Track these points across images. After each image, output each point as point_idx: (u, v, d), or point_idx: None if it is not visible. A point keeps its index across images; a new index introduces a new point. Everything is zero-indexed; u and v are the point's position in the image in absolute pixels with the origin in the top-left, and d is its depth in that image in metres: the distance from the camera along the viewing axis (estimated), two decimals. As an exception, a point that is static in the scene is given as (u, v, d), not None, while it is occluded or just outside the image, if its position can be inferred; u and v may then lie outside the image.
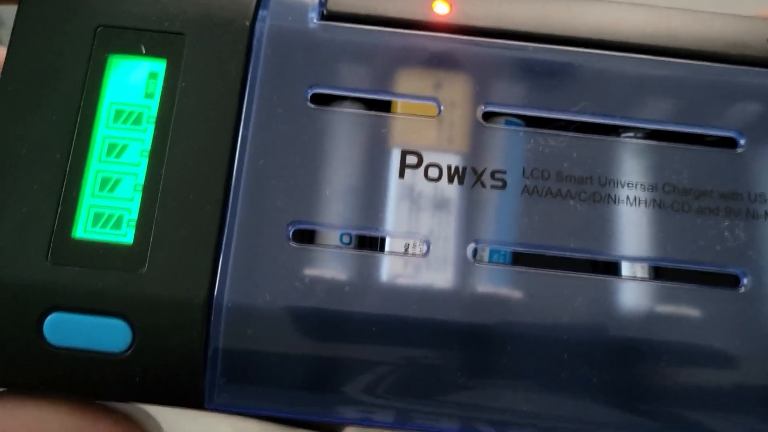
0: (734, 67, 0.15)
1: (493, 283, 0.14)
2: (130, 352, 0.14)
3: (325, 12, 0.15)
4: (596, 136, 0.15)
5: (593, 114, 0.15)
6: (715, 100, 0.15)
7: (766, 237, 0.14)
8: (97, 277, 0.14)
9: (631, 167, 0.14)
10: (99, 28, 0.15)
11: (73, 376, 0.14)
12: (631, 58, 0.15)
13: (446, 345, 0.14)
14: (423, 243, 0.14)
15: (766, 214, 0.14)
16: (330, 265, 0.14)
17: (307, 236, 0.14)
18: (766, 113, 0.15)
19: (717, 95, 0.15)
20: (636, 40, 0.15)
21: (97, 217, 0.14)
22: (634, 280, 0.14)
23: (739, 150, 0.15)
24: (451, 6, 0.15)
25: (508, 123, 0.15)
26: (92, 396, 0.14)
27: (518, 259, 0.14)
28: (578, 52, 0.15)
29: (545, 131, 0.15)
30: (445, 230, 0.14)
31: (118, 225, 0.14)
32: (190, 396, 0.14)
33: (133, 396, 0.14)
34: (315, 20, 0.15)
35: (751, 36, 0.15)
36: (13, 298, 0.14)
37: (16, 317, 0.14)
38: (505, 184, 0.14)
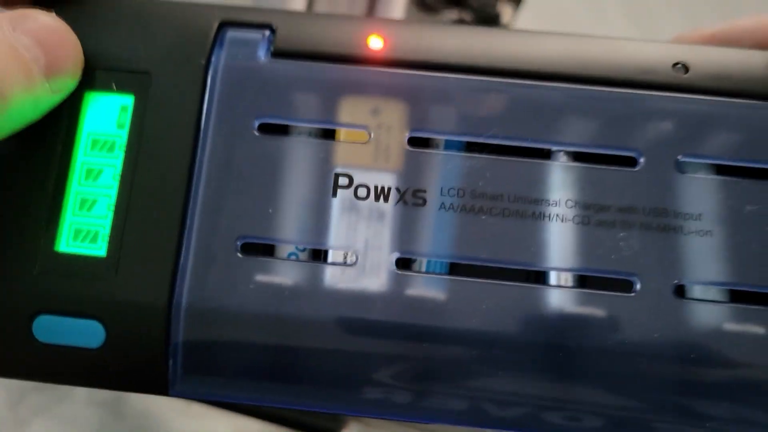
0: (640, 92, 0.17)
1: (415, 289, 0.16)
2: (103, 347, 0.16)
3: (272, 49, 0.17)
4: (506, 158, 0.16)
5: (505, 138, 0.16)
6: (619, 123, 0.16)
7: (658, 247, 0.16)
8: (76, 286, 0.16)
9: (538, 185, 0.16)
10: None
11: (57, 367, 0.16)
12: (543, 85, 0.17)
13: (375, 341, 0.16)
14: (353, 254, 0.16)
15: (658, 226, 0.16)
16: (272, 274, 0.16)
17: (258, 249, 0.16)
18: (664, 134, 0.16)
19: (620, 119, 0.16)
20: (549, 69, 0.17)
21: (77, 232, 0.16)
22: (540, 286, 0.16)
23: (637, 168, 0.16)
24: (384, 41, 0.17)
25: (436, 146, 0.17)
26: (72, 384, 0.17)
27: (452, 268, 0.16)
28: (494, 81, 0.17)
29: (461, 154, 0.16)
30: (372, 242, 0.16)
31: (94, 239, 0.16)
32: (156, 384, 0.16)
33: (107, 384, 0.16)
34: (263, 57, 0.17)
35: (658, 62, 0.17)
36: (6, 303, 0.16)
37: (9, 319, 0.16)
38: (425, 202, 0.16)
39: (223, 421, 0.31)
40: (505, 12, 0.60)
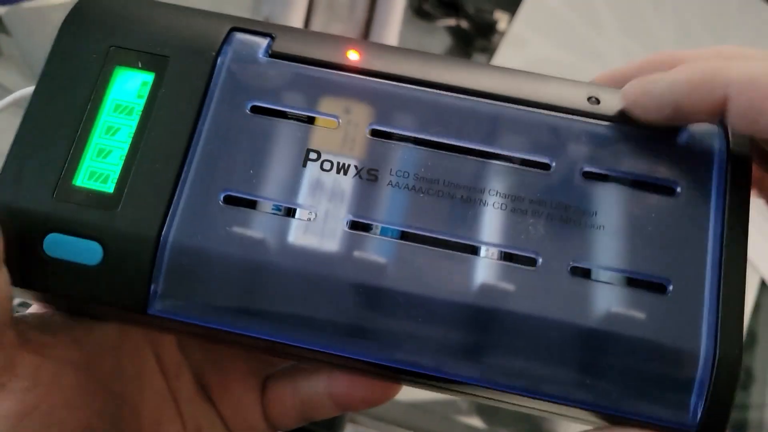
0: (560, 114, 0.21)
1: (361, 249, 0.20)
2: (100, 265, 0.20)
3: (270, 52, 0.21)
4: (445, 152, 0.20)
5: (444, 136, 0.21)
6: (539, 135, 0.21)
7: (559, 234, 0.20)
8: (84, 213, 0.20)
9: (468, 176, 0.20)
10: (111, 48, 0.21)
11: (59, 278, 0.20)
12: (481, 101, 0.21)
13: (324, 289, 0.20)
14: (313, 213, 0.20)
15: (561, 218, 0.20)
16: (244, 223, 0.20)
17: (238, 202, 0.20)
18: (574, 148, 0.20)
19: (541, 132, 0.21)
20: (488, 89, 0.21)
21: (92, 173, 0.20)
22: (462, 254, 0.20)
23: (550, 171, 0.20)
24: (360, 55, 0.22)
25: (391, 138, 0.21)
26: (72, 294, 0.20)
27: (388, 232, 0.20)
28: (440, 93, 0.21)
29: (408, 145, 0.21)
30: (331, 206, 0.20)
31: (105, 180, 0.20)
32: (137, 303, 0.20)
33: (97, 298, 0.20)
34: (262, 56, 0.21)
35: (575, 95, 0.21)
36: (26, 220, 0.20)
37: (26, 233, 0.20)
38: (376, 179, 0.20)
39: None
40: (501, 19, 0.62)
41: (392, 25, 0.55)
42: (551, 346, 0.19)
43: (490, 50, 0.60)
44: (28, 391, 0.19)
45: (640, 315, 0.19)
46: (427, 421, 0.49)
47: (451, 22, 0.61)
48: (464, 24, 0.61)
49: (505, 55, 0.59)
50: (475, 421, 0.49)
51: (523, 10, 0.61)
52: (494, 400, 0.20)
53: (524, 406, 0.21)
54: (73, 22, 0.22)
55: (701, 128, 0.20)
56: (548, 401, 0.19)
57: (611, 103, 0.21)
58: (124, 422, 0.22)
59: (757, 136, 0.18)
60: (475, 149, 0.20)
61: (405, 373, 0.20)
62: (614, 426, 0.19)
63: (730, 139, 0.20)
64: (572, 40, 0.61)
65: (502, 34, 0.60)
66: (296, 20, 0.51)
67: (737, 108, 0.18)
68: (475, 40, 0.61)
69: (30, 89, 0.22)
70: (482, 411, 0.50)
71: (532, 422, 0.50)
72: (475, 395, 0.20)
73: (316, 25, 0.53)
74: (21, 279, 0.20)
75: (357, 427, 0.48)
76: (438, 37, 0.60)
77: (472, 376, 0.19)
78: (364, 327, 0.19)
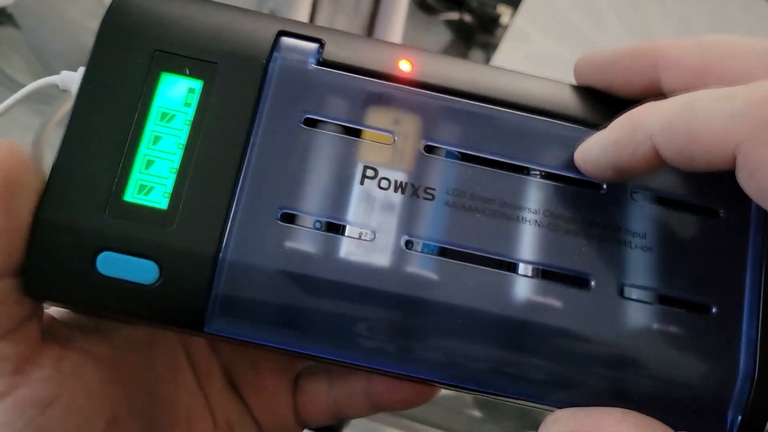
0: None
1: (418, 267, 0.20)
2: (156, 285, 0.19)
3: (320, 59, 0.21)
4: (500, 171, 0.20)
5: (500, 155, 0.20)
6: None
7: (610, 254, 0.20)
8: (139, 230, 0.19)
9: (524, 196, 0.20)
10: (156, 52, 0.20)
11: (113, 298, 0.19)
12: (537, 119, 0.21)
13: (379, 306, 0.20)
14: (371, 233, 0.20)
15: (611, 238, 0.20)
16: (303, 241, 0.20)
17: (291, 219, 0.20)
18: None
19: None
20: (546, 107, 0.21)
21: (141, 187, 0.20)
22: (517, 275, 0.20)
23: (601, 192, 0.20)
24: (412, 65, 0.21)
25: (446, 155, 0.21)
26: (124, 314, 0.20)
27: (444, 252, 0.20)
28: (496, 109, 0.21)
29: (465, 163, 0.20)
30: (388, 225, 0.20)
31: (155, 194, 0.20)
32: (194, 322, 0.19)
33: (153, 317, 0.20)
34: (312, 64, 0.21)
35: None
36: (78, 238, 0.19)
37: (78, 252, 0.19)
38: (433, 197, 0.20)
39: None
40: (504, 14, 0.62)
41: (397, 19, 0.55)
42: (601, 364, 0.19)
43: (491, 45, 0.60)
44: (50, 381, 0.19)
45: (684, 334, 0.19)
46: (430, 413, 0.49)
47: (454, 15, 0.61)
48: (467, 18, 0.61)
49: (507, 49, 0.59)
50: (477, 413, 0.50)
51: (525, 5, 0.61)
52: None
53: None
54: (113, 22, 0.20)
55: None
56: None
57: None
58: (156, 415, 0.22)
59: (698, 170, 0.18)
60: (531, 168, 0.20)
61: (452, 385, 0.20)
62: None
63: None
64: (574, 34, 0.61)
65: (505, 28, 0.61)
66: (302, 13, 0.51)
67: (670, 155, 0.18)
68: (477, 34, 0.61)
69: (42, 81, 0.22)
70: (483, 404, 0.50)
71: (533, 416, 0.50)
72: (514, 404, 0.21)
73: (321, 19, 0.53)
74: (72, 298, 0.20)
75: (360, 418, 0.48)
76: (440, 30, 0.60)
77: (521, 393, 0.20)
78: (422, 347, 0.20)
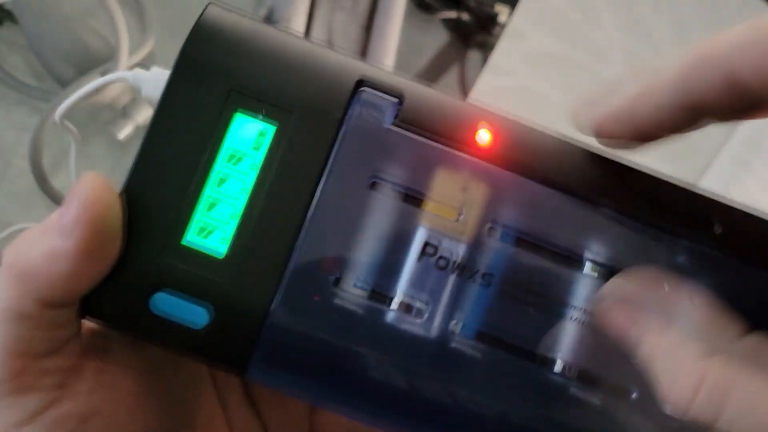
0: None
1: (462, 350, 0.20)
2: (206, 329, 0.19)
3: (397, 119, 0.20)
4: (564, 267, 0.20)
5: (566, 248, 0.20)
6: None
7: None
8: (195, 275, 0.19)
9: (576, 293, 0.20)
10: (231, 91, 0.20)
11: (163, 336, 0.20)
12: (608, 214, 0.20)
13: (418, 384, 0.20)
14: (423, 310, 0.20)
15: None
16: (354, 311, 0.20)
17: (343, 284, 0.20)
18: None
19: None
20: (627, 205, 0.20)
21: (201, 229, 0.20)
22: (556, 375, 0.19)
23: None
24: (492, 135, 0.20)
25: (504, 239, 0.20)
26: (173, 351, 0.20)
27: (482, 337, 0.20)
28: (575, 202, 0.20)
29: (526, 252, 0.20)
30: (440, 305, 0.20)
31: (215, 239, 0.20)
32: (237, 368, 0.20)
33: (199, 358, 0.20)
34: (388, 123, 0.20)
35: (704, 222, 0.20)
36: (135, 277, 0.19)
37: (133, 290, 0.19)
38: (490, 284, 0.20)
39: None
40: (502, 12, 0.62)
41: (395, 17, 0.55)
42: None
43: (488, 45, 0.60)
44: (91, 394, 0.19)
45: None
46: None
47: (452, 14, 0.61)
48: (465, 16, 0.61)
49: (504, 48, 0.59)
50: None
51: (522, 3, 0.61)
52: None
53: None
54: (192, 53, 0.20)
55: None
56: None
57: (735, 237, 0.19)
58: (181, 428, 0.23)
59: None
60: (589, 264, 0.20)
61: None
62: None
63: None
64: (571, 34, 0.61)
65: (503, 26, 0.61)
66: (300, 11, 0.51)
67: (754, 75, 0.16)
68: (475, 33, 0.61)
69: (113, 76, 0.22)
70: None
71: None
72: None
73: (320, 16, 0.53)
74: (126, 329, 0.20)
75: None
76: (438, 29, 0.60)
77: None
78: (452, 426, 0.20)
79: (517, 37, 0.60)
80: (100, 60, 0.43)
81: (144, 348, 0.22)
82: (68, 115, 0.30)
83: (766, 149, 0.62)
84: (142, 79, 0.22)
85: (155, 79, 0.21)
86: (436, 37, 0.60)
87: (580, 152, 0.20)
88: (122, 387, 0.20)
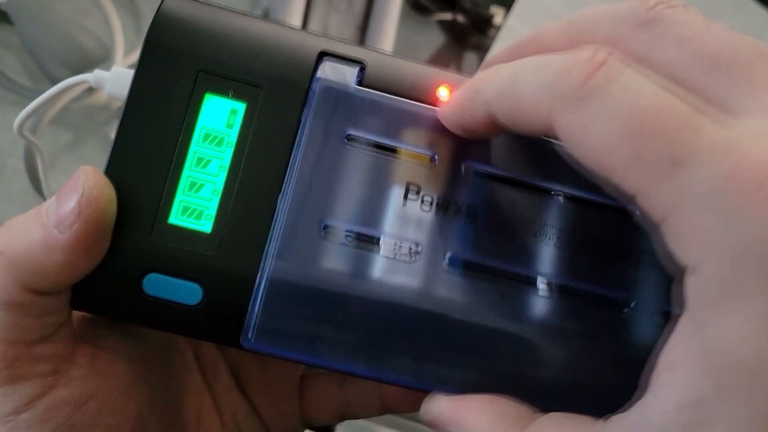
0: None
1: (456, 286, 0.20)
2: (199, 305, 0.20)
3: (361, 83, 0.21)
4: (537, 193, 0.21)
5: (542, 179, 0.21)
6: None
7: (646, 278, 0.20)
8: (185, 254, 0.20)
9: (558, 218, 0.21)
10: (200, 73, 0.20)
11: (158, 316, 0.20)
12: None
13: (418, 324, 0.20)
14: (414, 250, 0.20)
15: (647, 263, 0.20)
16: (344, 259, 0.20)
17: (333, 235, 0.20)
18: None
19: None
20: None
21: (185, 209, 0.20)
22: (540, 292, 0.20)
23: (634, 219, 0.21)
24: (450, 92, 0.21)
25: (480, 176, 0.21)
26: (169, 331, 0.20)
27: (469, 266, 0.20)
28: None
29: (502, 185, 0.21)
30: (431, 243, 0.20)
31: (199, 216, 0.20)
32: (233, 338, 0.20)
33: (195, 334, 0.20)
34: (354, 87, 0.21)
35: None
36: (126, 260, 0.20)
37: (125, 273, 0.20)
38: (475, 217, 0.21)
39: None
40: (497, 14, 0.62)
41: (390, 19, 0.55)
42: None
43: (484, 47, 0.60)
44: (85, 380, 0.20)
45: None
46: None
47: (447, 16, 0.61)
48: (460, 18, 0.61)
49: (499, 50, 0.59)
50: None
51: (518, 5, 0.61)
52: None
53: None
54: (158, 38, 0.20)
55: None
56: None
57: None
58: (172, 415, 0.23)
59: (531, 135, 0.18)
60: (560, 191, 0.21)
61: None
62: None
63: None
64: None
65: (498, 28, 0.61)
66: (296, 12, 0.51)
67: (503, 121, 0.18)
68: (470, 35, 0.61)
69: (75, 78, 0.21)
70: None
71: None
72: None
73: (315, 17, 0.53)
74: (118, 315, 0.20)
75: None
76: (433, 31, 0.60)
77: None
78: (452, 364, 0.20)
79: (513, 39, 0.60)
80: (95, 61, 0.43)
81: (133, 335, 0.22)
82: (62, 116, 0.30)
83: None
84: (104, 78, 0.22)
85: (117, 78, 0.22)
86: (431, 39, 0.60)
87: None
88: (115, 373, 0.21)
